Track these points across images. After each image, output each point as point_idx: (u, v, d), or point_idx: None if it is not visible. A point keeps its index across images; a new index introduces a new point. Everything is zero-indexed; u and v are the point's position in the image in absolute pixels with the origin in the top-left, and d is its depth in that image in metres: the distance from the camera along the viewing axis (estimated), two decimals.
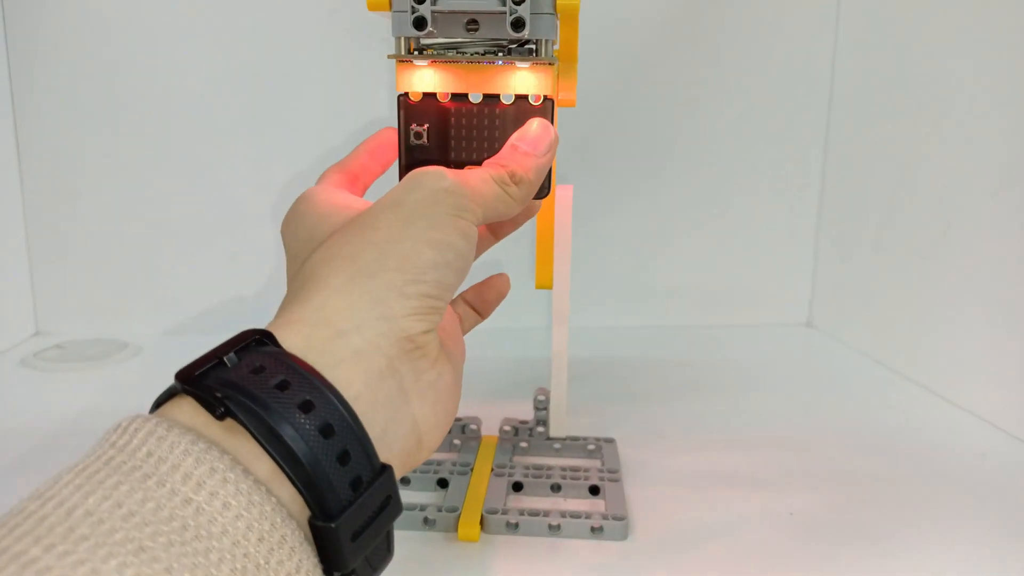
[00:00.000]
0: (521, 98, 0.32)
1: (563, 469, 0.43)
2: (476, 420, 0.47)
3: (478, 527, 0.37)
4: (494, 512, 0.38)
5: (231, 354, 0.23)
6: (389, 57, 0.32)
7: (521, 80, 0.32)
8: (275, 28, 0.65)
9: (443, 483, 0.42)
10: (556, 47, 0.36)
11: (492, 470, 0.42)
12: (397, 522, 0.37)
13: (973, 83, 0.53)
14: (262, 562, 0.20)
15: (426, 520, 0.38)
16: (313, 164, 0.65)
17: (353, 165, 0.34)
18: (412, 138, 0.33)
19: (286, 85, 0.66)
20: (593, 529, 0.37)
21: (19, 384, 0.58)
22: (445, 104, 0.32)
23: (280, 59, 0.66)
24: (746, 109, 0.69)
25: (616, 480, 0.42)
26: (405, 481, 0.42)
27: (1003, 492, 0.42)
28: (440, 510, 0.38)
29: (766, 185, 0.71)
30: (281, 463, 0.21)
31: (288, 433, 0.21)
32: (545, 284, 0.44)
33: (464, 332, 0.35)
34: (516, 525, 0.37)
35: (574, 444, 0.46)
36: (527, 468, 0.43)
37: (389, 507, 0.24)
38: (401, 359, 0.25)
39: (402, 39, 0.32)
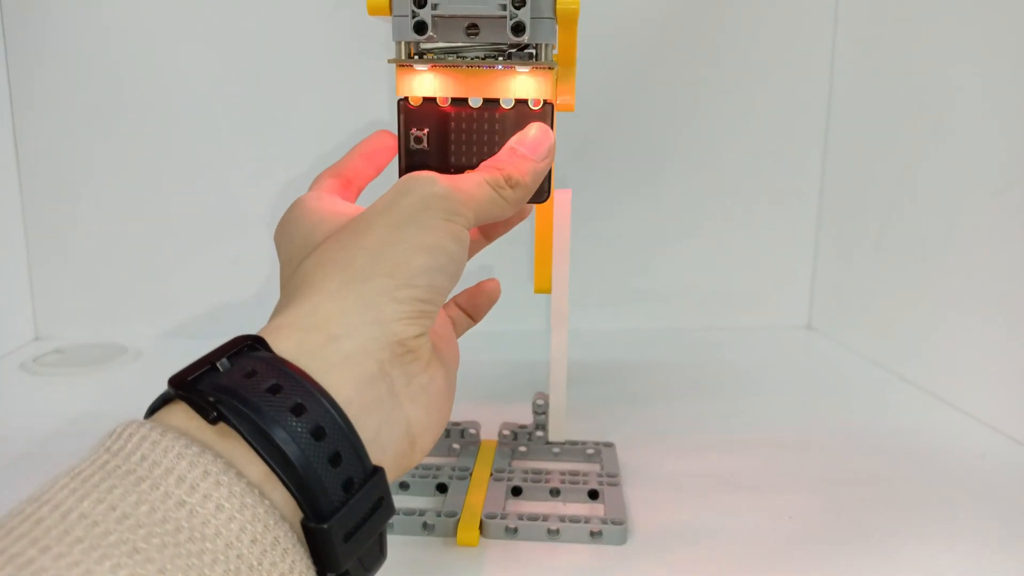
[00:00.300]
0: (521, 102, 0.32)
1: (562, 473, 0.43)
2: (475, 424, 0.47)
3: (477, 532, 0.37)
4: (493, 517, 0.38)
5: (224, 359, 0.23)
6: (389, 61, 0.32)
7: (521, 84, 0.32)
8: (277, 32, 0.65)
9: (442, 488, 0.41)
10: (555, 51, 0.36)
11: (491, 474, 0.42)
12: (396, 527, 0.37)
13: (973, 84, 0.53)
14: (255, 563, 0.20)
15: (425, 525, 0.37)
16: (313, 168, 0.64)
17: (347, 169, 0.34)
18: (412, 142, 0.33)
19: (287, 89, 0.66)
20: (592, 533, 0.37)
21: (19, 388, 0.58)
22: (445, 108, 0.32)
23: (281, 63, 0.66)
24: (745, 111, 0.69)
25: (615, 484, 0.42)
26: (404, 486, 0.42)
27: (1002, 494, 0.42)
28: (439, 515, 0.38)
29: (766, 187, 0.71)
30: (273, 466, 0.21)
31: (280, 436, 0.22)
32: (544, 288, 0.44)
33: (457, 335, 0.35)
34: (515, 530, 0.37)
35: (573, 448, 0.46)
36: (526, 472, 0.43)
37: (381, 508, 0.24)
38: (392, 363, 0.25)
39: (402, 43, 0.32)
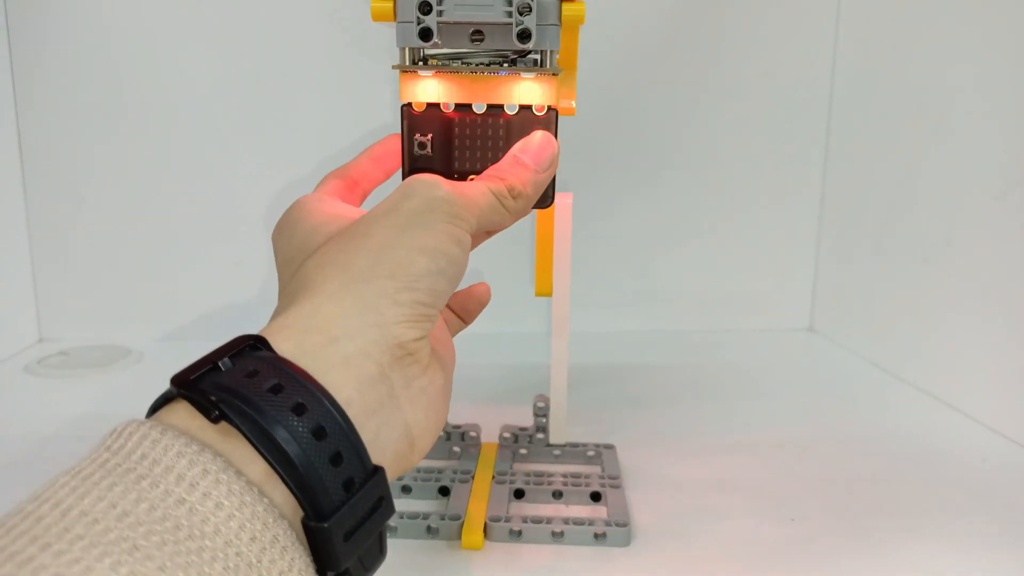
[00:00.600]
0: (525, 109, 0.32)
1: (564, 476, 0.43)
2: (476, 427, 0.47)
3: (482, 535, 0.37)
4: (497, 520, 0.38)
5: (225, 359, 0.23)
6: (394, 67, 0.32)
7: (525, 91, 0.32)
8: (280, 37, 0.65)
9: (444, 491, 0.42)
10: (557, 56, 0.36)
11: (493, 477, 0.43)
12: (400, 531, 0.37)
13: (974, 85, 0.53)
14: (254, 560, 0.20)
15: (429, 528, 0.38)
16: (316, 171, 0.65)
17: (355, 171, 0.34)
18: (416, 148, 0.33)
19: (290, 92, 0.66)
20: (596, 536, 0.37)
21: (23, 390, 0.58)
22: (449, 114, 0.33)
23: (285, 67, 0.66)
24: (746, 112, 0.69)
25: (617, 486, 0.42)
26: (406, 489, 0.42)
27: (1003, 496, 0.42)
28: (443, 518, 0.38)
29: (767, 189, 0.71)
30: (275, 465, 0.22)
31: (281, 435, 0.22)
32: (545, 292, 0.44)
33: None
34: (519, 532, 0.37)
35: (574, 450, 0.46)
36: (528, 475, 0.43)
37: (382, 508, 0.24)
38: (392, 366, 0.26)
39: (406, 49, 0.32)
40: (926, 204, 0.58)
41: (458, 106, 0.33)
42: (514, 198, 0.30)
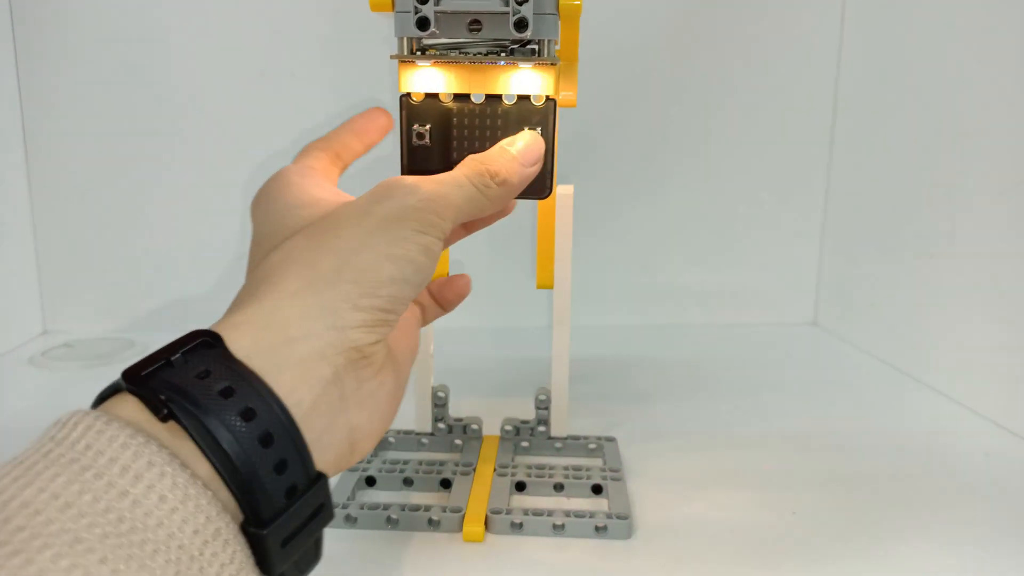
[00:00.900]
0: (523, 98, 0.32)
1: (565, 468, 0.43)
2: (477, 420, 0.47)
3: (483, 527, 0.37)
4: (498, 512, 0.38)
5: (178, 355, 0.23)
6: (392, 57, 0.32)
7: (523, 80, 0.32)
8: (282, 33, 0.65)
9: (446, 484, 0.42)
10: (557, 47, 0.36)
11: (494, 470, 0.43)
12: (402, 523, 0.37)
13: (980, 83, 0.53)
14: (196, 553, 0.20)
15: (431, 521, 0.38)
16: None
17: (336, 143, 0.34)
18: (414, 138, 0.33)
19: (293, 86, 0.66)
20: (597, 528, 0.37)
21: (27, 382, 0.59)
22: (447, 104, 0.33)
23: (287, 60, 0.66)
24: (751, 108, 0.69)
25: (618, 479, 0.42)
26: (408, 482, 0.42)
27: (1008, 492, 0.42)
28: (445, 511, 0.38)
29: (771, 184, 0.71)
30: (219, 468, 0.22)
31: (227, 440, 0.22)
32: (546, 284, 0.44)
33: (426, 323, 0.36)
34: (521, 525, 0.37)
35: (575, 443, 0.46)
36: (529, 468, 0.43)
37: (321, 514, 0.24)
38: (347, 368, 0.26)
39: (405, 39, 0.32)
40: (930, 199, 0.57)
41: (456, 96, 0.32)
42: (497, 184, 0.30)
